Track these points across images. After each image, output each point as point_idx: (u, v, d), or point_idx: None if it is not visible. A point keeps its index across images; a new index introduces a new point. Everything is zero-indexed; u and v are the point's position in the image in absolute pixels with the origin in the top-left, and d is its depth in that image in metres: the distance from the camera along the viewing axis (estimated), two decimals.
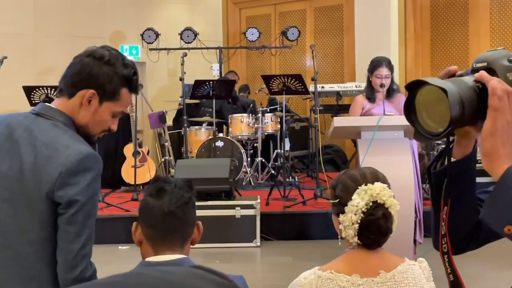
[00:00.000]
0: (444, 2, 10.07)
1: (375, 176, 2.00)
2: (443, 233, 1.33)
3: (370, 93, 5.51)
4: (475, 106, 1.20)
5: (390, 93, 5.46)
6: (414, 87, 1.27)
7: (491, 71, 1.24)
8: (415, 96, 1.27)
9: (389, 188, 2.02)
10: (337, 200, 2.01)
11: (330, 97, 9.35)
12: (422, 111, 1.27)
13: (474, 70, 1.26)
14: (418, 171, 5.26)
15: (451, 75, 1.30)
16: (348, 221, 1.93)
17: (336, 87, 9.15)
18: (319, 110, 7.68)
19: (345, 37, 10.93)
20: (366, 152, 4.58)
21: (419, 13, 10.18)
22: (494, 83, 1.18)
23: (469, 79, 1.24)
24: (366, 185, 1.96)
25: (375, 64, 5.45)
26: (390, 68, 5.44)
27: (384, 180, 2.00)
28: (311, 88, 8.00)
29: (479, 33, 9.71)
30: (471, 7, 9.80)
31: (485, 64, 1.25)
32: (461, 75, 1.28)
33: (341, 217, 1.96)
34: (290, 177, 8.14)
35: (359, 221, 1.91)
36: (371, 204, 1.92)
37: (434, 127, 1.25)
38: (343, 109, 8.70)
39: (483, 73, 1.21)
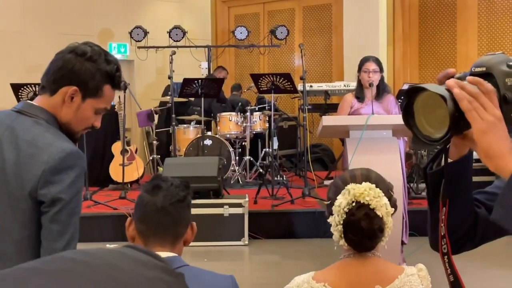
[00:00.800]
0: (432, 2, 10.11)
1: (366, 177, 1.92)
2: (442, 234, 1.33)
3: (359, 91, 5.53)
4: None
5: (380, 93, 5.49)
6: (413, 93, 1.28)
7: (489, 76, 1.24)
8: (413, 101, 1.28)
9: (391, 191, 1.94)
10: (329, 202, 1.95)
11: (318, 96, 9.36)
12: (421, 116, 1.28)
13: (473, 75, 1.27)
14: (404, 170, 5.28)
15: (449, 77, 1.31)
16: (333, 222, 1.87)
17: (324, 86, 9.17)
18: (308, 109, 7.69)
19: (334, 36, 10.95)
20: (354, 151, 4.60)
21: (408, 13, 10.22)
22: (457, 90, 1.20)
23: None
24: None
25: (363, 61, 5.52)
26: (378, 64, 5.48)
27: (376, 181, 1.91)
28: (299, 87, 8.01)
29: (467, 33, 9.76)
30: (459, 7, 9.85)
31: (484, 69, 1.26)
32: (459, 79, 1.29)
33: (330, 218, 1.89)
34: (278, 176, 8.15)
35: (341, 222, 1.84)
36: (353, 204, 1.84)
37: (432, 133, 1.26)
38: (332, 108, 8.71)
39: (449, 82, 1.22)
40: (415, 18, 10.22)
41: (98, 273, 0.65)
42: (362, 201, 1.84)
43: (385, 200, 1.86)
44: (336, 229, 1.85)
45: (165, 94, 9.84)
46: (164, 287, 0.67)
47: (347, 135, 4.80)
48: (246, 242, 6.40)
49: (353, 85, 6.39)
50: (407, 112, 1.29)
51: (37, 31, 9.73)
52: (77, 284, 0.63)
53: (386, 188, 1.92)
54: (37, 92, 7.64)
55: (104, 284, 0.64)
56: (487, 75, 1.24)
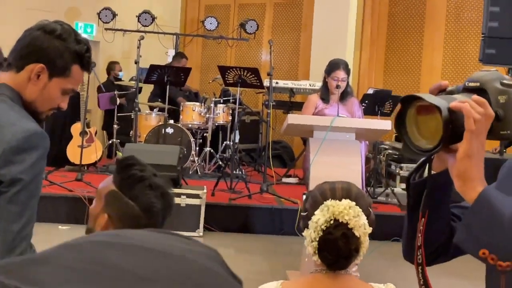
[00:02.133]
0: (402, 11, 10.23)
1: (347, 192, 1.85)
2: (419, 244, 1.34)
3: (325, 94, 5.56)
4: (462, 126, 1.21)
5: (344, 96, 5.54)
6: (407, 101, 1.28)
7: (483, 91, 1.25)
8: (407, 110, 1.29)
9: (370, 207, 1.89)
10: (305, 214, 1.88)
11: (283, 93, 9.38)
12: (413, 125, 1.28)
13: (466, 89, 1.28)
14: (363, 174, 5.34)
15: (442, 90, 1.31)
16: (309, 238, 1.80)
17: (290, 83, 9.19)
18: (272, 105, 7.70)
19: (302, 35, 10.99)
20: (317, 152, 4.62)
21: (377, 18, 10.32)
22: (467, 106, 1.19)
23: (459, 97, 1.25)
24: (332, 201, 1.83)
25: (333, 67, 5.50)
26: (347, 71, 5.51)
27: (357, 197, 1.84)
28: (265, 82, 8.01)
29: (433, 43, 9.91)
30: (428, 17, 9.99)
31: (478, 84, 1.26)
32: (451, 92, 1.30)
33: (305, 232, 1.83)
34: (238, 170, 8.15)
35: (317, 239, 1.78)
36: (331, 222, 1.77)
37: (423, 143, 1.27)
38: (296, 106, 8.75)
39: (457, 104, 1.22)
40: (383, 25, 10.33)
41: (162, 246, 0.78)
42: (340, 220, 1.77)
43: (363, 219, 1.80)
44: (311, 245, 1.79)
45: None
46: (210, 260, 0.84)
47: (311, 135, 4.82)
48: (201, 234, 6.38)
49: (318, 85, 6.41)
50: (400, 120, 1.30)
51: (1, 5, 9.51)
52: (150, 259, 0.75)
53: (366, 205, 1.86)
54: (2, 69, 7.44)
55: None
56: (480, 91, 1.25)
